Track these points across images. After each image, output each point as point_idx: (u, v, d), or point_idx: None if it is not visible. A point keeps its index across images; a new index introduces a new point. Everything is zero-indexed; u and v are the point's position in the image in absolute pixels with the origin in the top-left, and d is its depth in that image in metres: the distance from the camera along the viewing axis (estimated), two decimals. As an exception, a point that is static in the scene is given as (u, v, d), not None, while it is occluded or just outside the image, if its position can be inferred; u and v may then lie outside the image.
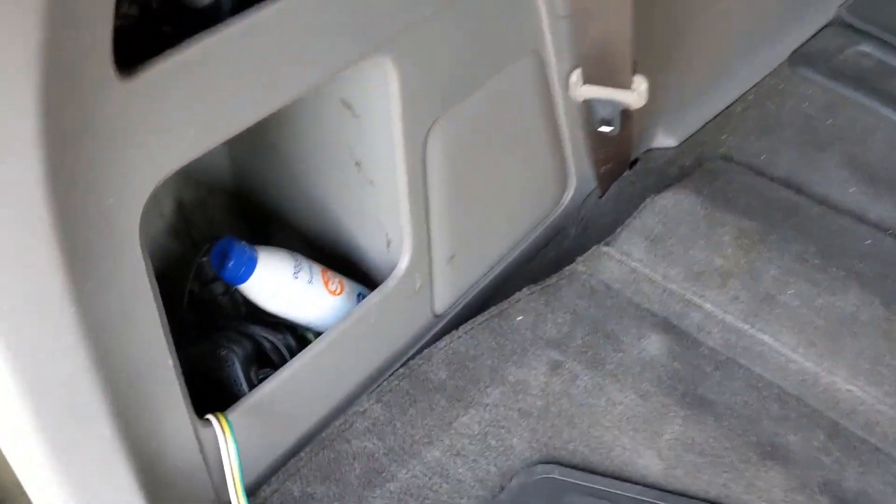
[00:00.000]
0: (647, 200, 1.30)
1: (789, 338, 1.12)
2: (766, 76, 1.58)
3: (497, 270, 1.24)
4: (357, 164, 1.00)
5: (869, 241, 1.25)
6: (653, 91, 1.40)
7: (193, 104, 0.71)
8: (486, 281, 1.23)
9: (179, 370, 0.83)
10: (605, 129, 1.19)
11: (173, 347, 0.81)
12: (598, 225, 1.35)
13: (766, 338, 1.12)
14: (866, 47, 1.63)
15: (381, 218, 1.04)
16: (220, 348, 0.96)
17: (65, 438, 0.72)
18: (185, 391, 0.85)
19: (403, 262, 1.05)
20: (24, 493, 0.76)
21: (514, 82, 1.09)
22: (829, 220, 1.29)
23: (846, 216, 1.30)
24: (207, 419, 0.88)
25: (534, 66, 1.11)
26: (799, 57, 1.61)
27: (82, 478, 0.76)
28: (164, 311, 0.78)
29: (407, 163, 0.96)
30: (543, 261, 1.31)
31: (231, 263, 0.94)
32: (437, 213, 1.05)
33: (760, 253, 1.21)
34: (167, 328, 0.79)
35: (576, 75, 1.14)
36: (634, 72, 1.12)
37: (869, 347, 1.10)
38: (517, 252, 1.27)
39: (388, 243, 1.06)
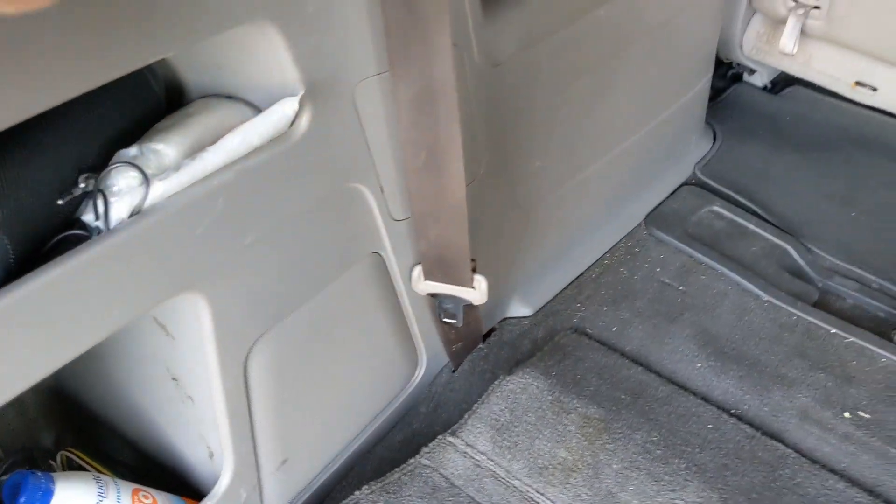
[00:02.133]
0: (495, 384, 1.28)
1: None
2: (621, 238, 1.61)
3: (340, 461, 1.19)
4: (174, 379, 0.95)
5: (711, 426, 1.26)
6: (508, 260, 1.40)
7: None
8: (328, 473, 1.18)
9: None
10: (449, 321, 1.18)
11: None
12: (451, 402, 1.32)
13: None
14: (719, 207, 1.69)
15: (202, 431, 0.99)
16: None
17: None
18: None
19: (226, 476, 0.99)
20: None
21: (354, 282, 1.06)
22: (675, 403, 1.29)
23: (691, 397, 1.31)
24: None
25: (375, 265, 1.09)
26: (655, 218, 1.66)
27: None
28: None
29: (224, 383, 0.91)
30: (392, 444, 1.27)
31: (22, 500, 0.86)
32: (263, 423, 1.00)
33: (604, 444, 1.20)
34: None
35: (417, 271, 1.12)
36: (474, 270, 1.11)
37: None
38: (362, 439, 1.22)
39: (211, 455, 1.00)
